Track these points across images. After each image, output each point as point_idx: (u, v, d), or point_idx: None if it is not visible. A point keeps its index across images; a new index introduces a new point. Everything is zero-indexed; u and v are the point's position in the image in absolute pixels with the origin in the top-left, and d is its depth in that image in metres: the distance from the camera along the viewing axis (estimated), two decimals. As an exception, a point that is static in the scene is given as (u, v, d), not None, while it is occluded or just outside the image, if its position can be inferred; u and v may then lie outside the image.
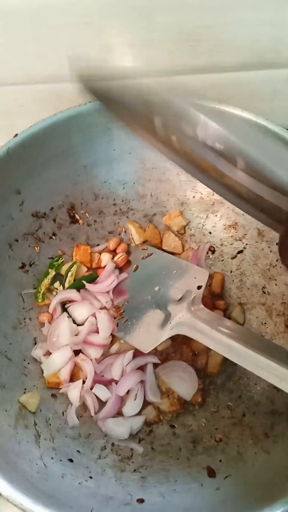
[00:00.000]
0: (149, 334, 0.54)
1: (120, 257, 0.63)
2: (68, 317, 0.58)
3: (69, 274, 0.60)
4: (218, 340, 0.47)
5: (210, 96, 0.60)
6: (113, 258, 0.63)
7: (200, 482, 0.45)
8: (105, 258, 0.62)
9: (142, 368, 0.57)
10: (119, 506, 0.42)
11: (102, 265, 0.62)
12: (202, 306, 0.53)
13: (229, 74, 0.61)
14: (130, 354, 0.56)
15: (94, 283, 0.60)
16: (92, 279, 0.61)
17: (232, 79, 0.62)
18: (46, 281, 0.60)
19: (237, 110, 0.58)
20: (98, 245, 0.66)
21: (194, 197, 0.66)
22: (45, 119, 0.57)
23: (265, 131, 0.57)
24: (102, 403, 0.54)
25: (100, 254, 0.63)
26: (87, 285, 0.59)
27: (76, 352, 0.57)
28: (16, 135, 0.55)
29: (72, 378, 0.56)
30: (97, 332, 0.57)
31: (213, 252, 0.66)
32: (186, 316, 0.52)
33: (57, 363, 0.54)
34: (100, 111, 0.60)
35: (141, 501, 0.43)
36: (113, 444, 0.51)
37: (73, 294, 0.59)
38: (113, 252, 0.64)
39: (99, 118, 0.60)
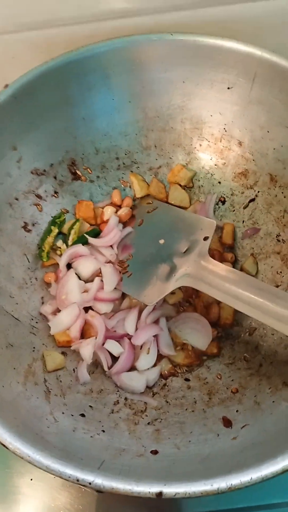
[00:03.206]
0: (154, 287, 0.52)
1: (124, 211, 0.60)
2: (75, 273, 0.56)
3: (72, 231, 0.58)
4: (225, 290, 0.45)
5: (213, 32, 0.56)
6: (116, 212, 0.60)
7: (216, 433, 0.44)
8: (108, 211, 0.60)
9: (155, 322, 0.55)
10: (132, 457, 0.41)
11: (105, 218, 0.60)
12: (209, 257, 0.50)
13: (231, 7, 0.56)
14: (150, 307, 0.54)
15: (97, 238, 0.58)
16: (95, 234, 0.59)
17: (234, 13, 0.57)
18: (50, 239, 0.58)
19: (242, 45, 0.54)
20: (103, 201, 0.63)
21: (201, 145, 0.63)
22: (37, 67, 0.54)
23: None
24: (115, 359, 0.53)
25: (103, 209, 0.61)
26: (90, 240, 0.57)
27: (87, 309, 0.55)
28: (7, 85, 0.52)
29: (84, 335, 0.54)
30: (105, 287, 0.56)
31: (224, 202, 0.63)
32: (192, 268, 0.50)
33: (64, 321, 0.53)
34: (96, 56, 0.56)
35: (155, 452, 0.42)
36: (126, 399, 0.50)
37: (81, 248, 0.57)
38: (117, 207, 0.62)
39: (95, 64, 0.57)
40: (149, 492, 0.34)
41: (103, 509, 0.54)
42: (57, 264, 0.57)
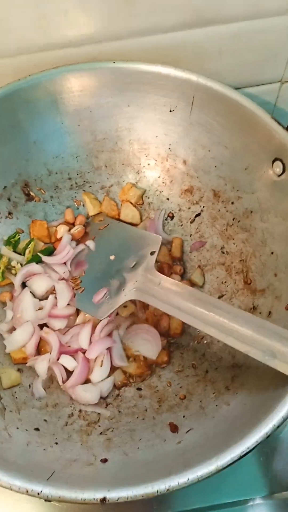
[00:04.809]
0: (105, 302, 0.55)
1: (76, 229, 0.63)
2: (29, 292, 0.58)
3: (27, 251, 0.60)
4: (168, 301, 0.48)
5: (153, 59, 0.59)
6: (69, 231, 0.63)
7: (163, 438, 0.46)
8: (61, 230, 0.62)
9: (108, 336, 0.57)
10: (81, 467, 0.43)
11: (58, 237, 0.62)
12: (155, 271, 0.53)
13: (170, 35, 0.60)
14: (104, 320, 0.56)
15: (51, 256, 0.61)
16: (50, 252, 0.62)
17: (174, 40, 0.61)
18: (5, 259, 0.60)
19: (179, 71, 0.58)
20: (57, 220, 0.66)
21: (149, 164, 0.66)
22: (-14, 96, 0.56)
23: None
24: (70, 373, 0.55)
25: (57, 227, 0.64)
26: (44, 258, 0.60)
27: (43, 326, 0.57)
28: None
29: (40, 351, 0.56)
30: (59, 303, 0.58)
31: (172, 218, 0.66)
32: (139, 282, 0.53)
33: (19, 339, 0.55)
34: (43, 84, 0.59)
35: (104, 460, 0.44)
36: (80, 411, 0.52)
37: (34, 267, 0.59)
38: (71, 225, 0.64)
39: (43, 91, 0.59)
40: (94, 498, 0.36)
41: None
42: (13, 283, 0.59)
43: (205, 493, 0.56)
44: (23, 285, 0.60)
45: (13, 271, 0.60)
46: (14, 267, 0.60)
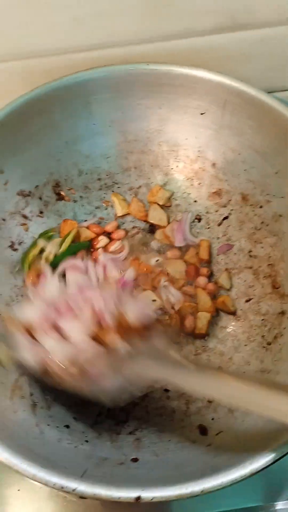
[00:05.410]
0: None
1: (116, 247, 0.64)
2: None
3: (68, 238, 0.61)
4: None
5: (185, 61, 0.60)
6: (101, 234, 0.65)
7: (192, 440, 0.47)
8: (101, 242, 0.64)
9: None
10: (113, 466, 0.43)
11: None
12: None
13: (202, 38, 0.60)
14: None
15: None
16: (87, 245, 0.63)
17: (206, 43, 0.61)
18: (35, 251, 0.60)
19: (212, 74, 0.58)
20: (86, 220, 0.66)
21: (177, 166, 0.66)
22: (23, 95, 0.57)
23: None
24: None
25: (88, 228, 0.65)
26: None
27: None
28: (-6, 113, 0.55)
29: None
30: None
31: (199, 220, 0.66)
32: None
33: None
34: (78, 84, 0.60)
35: (135, 460, 0.44)
36: (109, 410, 0.52)
37: (78, 262, 0.60)
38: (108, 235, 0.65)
39: (77, 92, 0.60)
40: (129, 497, 0.37)
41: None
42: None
43: (226, 497, 0.56)
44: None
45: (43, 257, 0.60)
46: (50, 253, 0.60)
